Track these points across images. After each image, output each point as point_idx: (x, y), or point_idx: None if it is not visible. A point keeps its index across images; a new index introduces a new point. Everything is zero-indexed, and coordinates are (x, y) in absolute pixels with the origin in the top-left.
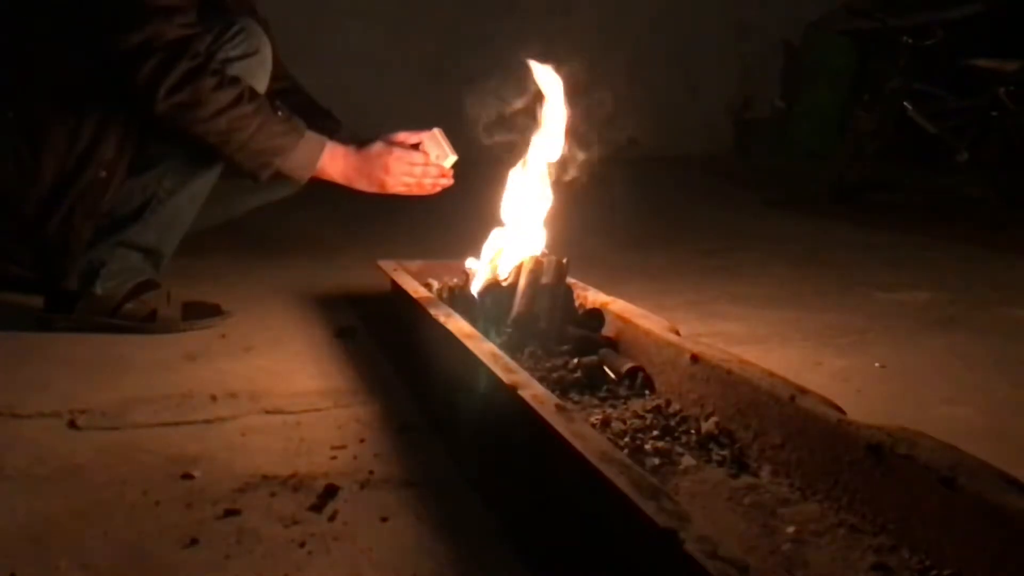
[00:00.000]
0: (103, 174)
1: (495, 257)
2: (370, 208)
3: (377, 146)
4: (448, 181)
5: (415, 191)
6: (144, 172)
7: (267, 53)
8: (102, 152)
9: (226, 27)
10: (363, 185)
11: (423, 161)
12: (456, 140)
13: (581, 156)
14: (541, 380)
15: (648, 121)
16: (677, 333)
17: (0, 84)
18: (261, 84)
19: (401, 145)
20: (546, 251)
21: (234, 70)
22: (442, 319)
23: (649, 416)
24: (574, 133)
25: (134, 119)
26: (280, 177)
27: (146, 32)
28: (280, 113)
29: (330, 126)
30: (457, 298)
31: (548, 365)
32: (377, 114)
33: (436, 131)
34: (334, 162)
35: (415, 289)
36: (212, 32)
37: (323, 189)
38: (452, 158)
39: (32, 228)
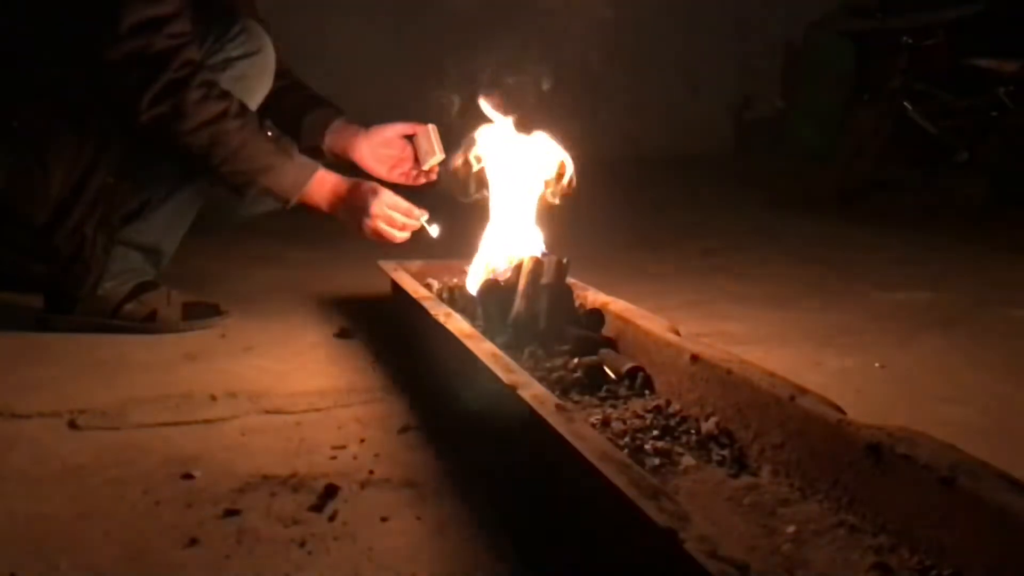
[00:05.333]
0: (110, 180)
1: (494, 259)
2: None
3: (369, 184)
4: (433, 176)
5: (384, 239)
6: (144, 170)
7: (269, 53)
8: (108, 158)
9: (227, 27)
10: (344, 217)
11: (405, 211)
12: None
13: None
14: (541, 380)
15: (649, 121)
16: (677, 333)
17: (3, 95)
18: (263, 83)
19: (396, 187)
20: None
21: (236, 69)
22: (442, 319)
23: (649, 416)
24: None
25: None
26: (266, 195)
27: (134, 43)
28: (270, 133)
29: (331, 114)
30: (457, 298)
31: (548, 365)
32: (375, 115)
33: (430, 127)
34: (322, 188)
35: (415, 289)
36: (213, 33)
37: None
38: (439, 156)
39: (43, 238)
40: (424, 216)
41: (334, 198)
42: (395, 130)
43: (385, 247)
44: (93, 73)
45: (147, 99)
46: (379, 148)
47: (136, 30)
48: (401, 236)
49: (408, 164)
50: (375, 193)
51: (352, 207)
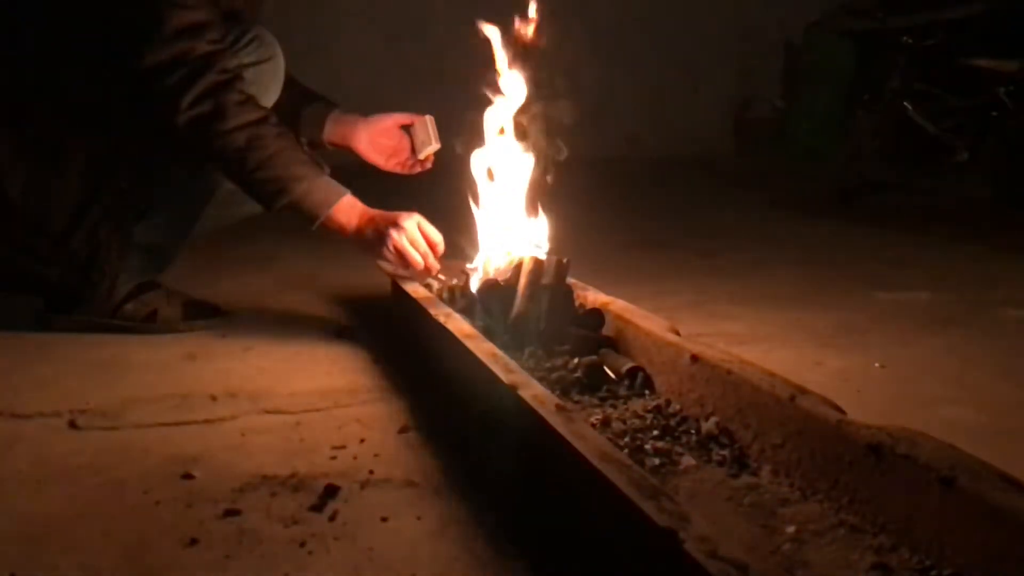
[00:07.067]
0: (123, 184)
1: (494, 257)
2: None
3: (403, 211)
4: (428, 165)
5: (404, 258)
6: (152, 172)
7: (280, 61)
8: (121, 162)
9: (241, 35)
10: (369, 235)
11: (433, 243)
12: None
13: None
14: (541, 380)
15: (649, 121)
16: (677, 333)
17: (18, 102)
18: (273, 90)
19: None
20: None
21: (248, 75)
22: (442, 319)
23: (649, 416)
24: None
25: (151, 129)
26: (293, 210)
27: (178, 47)
28: (306, 148)
29: (328, 107)
30: (457, 298)
31: (548, 365)
32: (374, 111)
33: (428, 118)
34: (352, 208)
35: (415, 289)
36: (228, 39)
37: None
38: (435, 146)
39: (60, 244)
40: (437, 268)
41: (362, 218)
42: (393, 120)
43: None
44: (132, 78)
45: (188, 99)
46: (377, 137)
47: (180, 34)
48: (419, 262)
49: (405, 154)
50: (410, 213)
51: (382, 222)
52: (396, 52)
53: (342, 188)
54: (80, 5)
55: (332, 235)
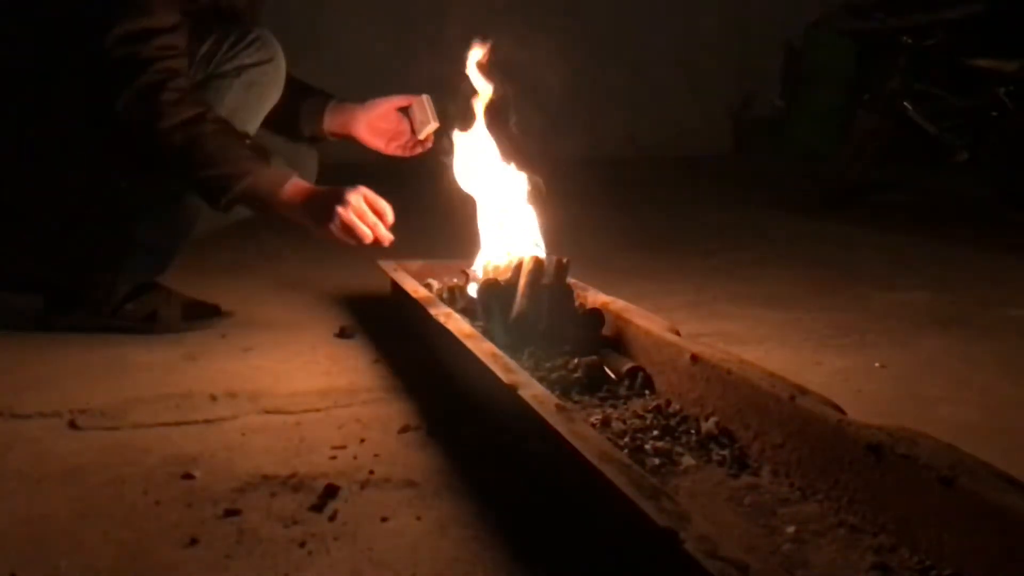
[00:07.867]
0: (123, 183)
1: (495, 259)
2: None
3: (348, 186)
4: (428, 145)
5: (353, 233)
6: (151, 171)
7: (281, 62)
8: (119, 161)
9: (242, 35)
10: (317, 212)
11: (380, 211)
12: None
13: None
14: (541, 380)
15: (648, 121)
16: (677, 333)
17: (17, 102)
18: (275, 90)
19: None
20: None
21: (249, 76)
22: (442, 319)
23: (649, 416)
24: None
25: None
26: (242, 204)
27: (122, 51)
28: (248, 141)
29: (325, 99)
30: (457, 298)
31: (548, 365)
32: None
33: (424, 97)
34: (297, 192)
35: (415, 289)
36: (229, 40)
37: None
38: (433, 125)
39: (60, 244)
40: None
41: (309, 197)
42: (391, 103)
43: (366, 250)
44: (84, 78)
45: (123, 100)
46: (376, 122)
47: (127, 39)
48: (368, 234)
49: (405, 136)
50: (355, 187)
51: (329, 198)
52: (396, 48)
53: (288, 172)
54: (58, 7)
55: (283, 220)
